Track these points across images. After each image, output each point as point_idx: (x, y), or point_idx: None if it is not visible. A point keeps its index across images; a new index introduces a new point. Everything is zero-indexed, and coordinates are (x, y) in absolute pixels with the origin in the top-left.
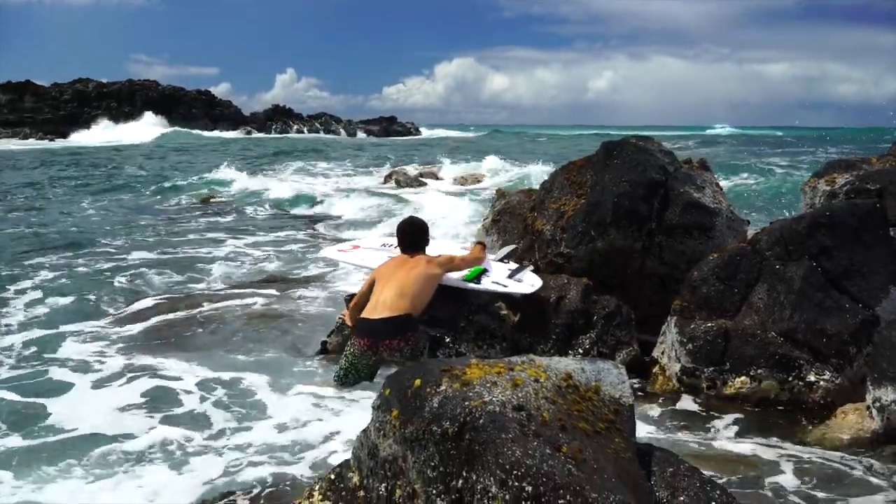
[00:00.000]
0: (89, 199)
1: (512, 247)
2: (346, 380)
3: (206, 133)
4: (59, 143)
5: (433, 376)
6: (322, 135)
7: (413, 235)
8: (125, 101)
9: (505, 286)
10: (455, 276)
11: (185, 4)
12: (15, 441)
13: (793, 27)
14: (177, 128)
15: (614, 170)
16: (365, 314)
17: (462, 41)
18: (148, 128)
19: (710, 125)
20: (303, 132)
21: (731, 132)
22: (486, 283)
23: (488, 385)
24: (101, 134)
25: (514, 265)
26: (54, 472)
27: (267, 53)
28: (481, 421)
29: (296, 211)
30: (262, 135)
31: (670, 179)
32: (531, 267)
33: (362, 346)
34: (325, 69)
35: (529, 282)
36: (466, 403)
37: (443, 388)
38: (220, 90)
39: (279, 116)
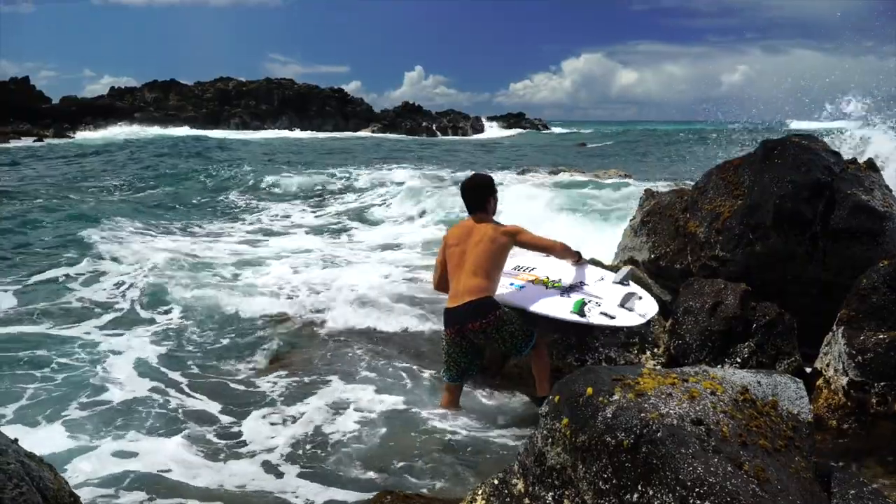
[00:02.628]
0: None
1: (629, 268)
2: (452, 373)
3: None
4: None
5: (605, 385)
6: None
7: (474, 192)
8: (263, 99)
9: (613, 317)
10: (559, 310)
11: (317, 4)
12: None
13: None
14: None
15: (775, 169)
16: (448, 303)
17: (590, 36)
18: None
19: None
20: (432, 130)
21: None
22: (594, 316)
23: (664, 396)
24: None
25: (632, 287)
26: None
27: (395, 51)
28: (659, 434)
29: None
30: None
31: (836, 180)
32: (643, 294)
33: (451, 335)
34: (452, 66)
35: (641, 311)
36: (643, 415)
37: (616, 397)
38: (350, 88)
39: (409, 114)
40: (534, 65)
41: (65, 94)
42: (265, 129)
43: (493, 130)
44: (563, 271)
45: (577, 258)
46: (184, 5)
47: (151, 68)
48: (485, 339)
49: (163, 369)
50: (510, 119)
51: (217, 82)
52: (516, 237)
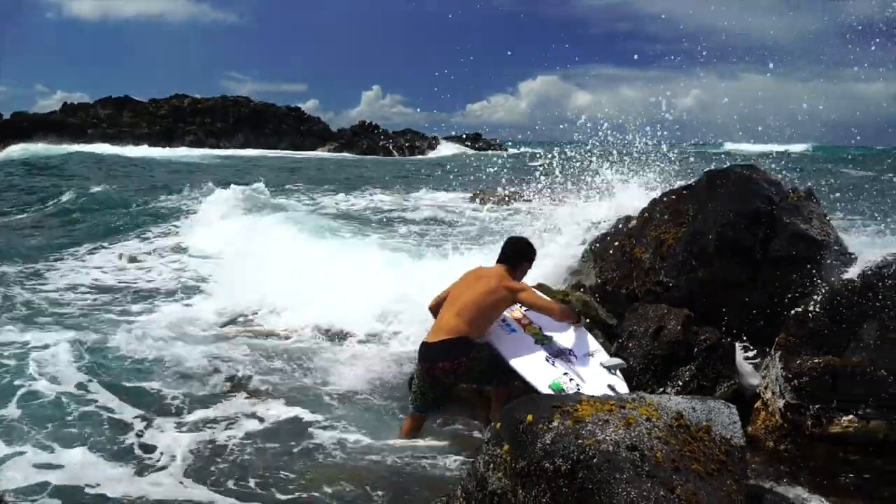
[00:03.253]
0: None
1: (621, 361)
2: (418, 404)
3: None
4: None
5: (545, 412)
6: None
7: (515, 250)
8: (218, 116)
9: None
10: (538, 378)
11: (274, 22)
12: None
13: (891, 44)
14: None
15: (718, 198)
16: (426, 337)
17: (546, 59)
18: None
19: (799, 142)
20: (389, 149)
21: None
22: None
23: (600, 423)
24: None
25: (617, 379)
26: None
27: (353, 70)
28: (595, 460)
29: None
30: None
31: (776, 209)
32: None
33: (422, 371)
34: (409, 86)
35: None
36: (580, 441)
37: (555, 424)
38: (308, 106)
39: (366, 132)
40: (491, 86)
41: (17, 109)
42: (220, 147)
43: (447, 148)
44: (556, 327)
45: (577, 321)
46: (139, 21)
47: (105, 84)
48: (454, 378)
49: (87, 379)
50: (467, 139)
51: (172, 99)
52: (517, 294)
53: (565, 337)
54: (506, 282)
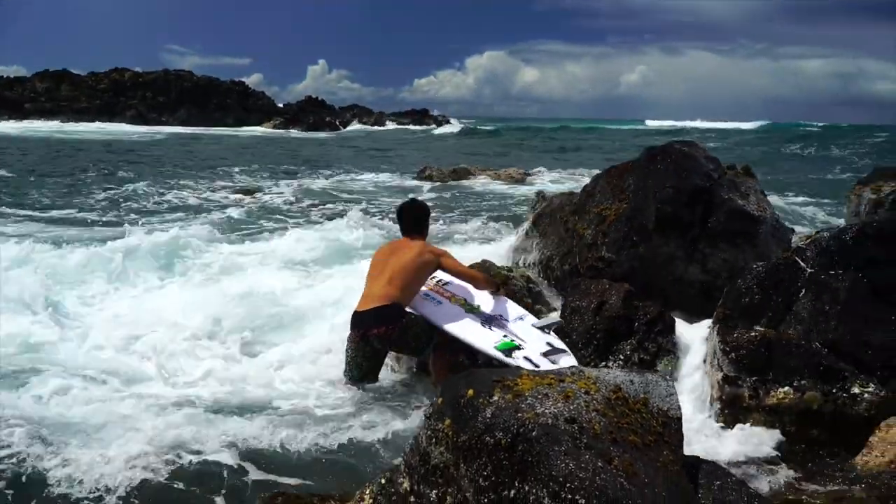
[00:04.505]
0: None
1: (556, 320)
2: (353, 374)
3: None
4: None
5: (486, 386)
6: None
7: (414, 218)
8: (160, 91)
9: (537, 366)
10: (483, 342)
11: None
12: None
13: (829, 23)
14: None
15: (657, 175)
16: (357, 307)
17: (493, 34)
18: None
19: (745, 120)
20: (335, 125)
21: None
22: (518, 360)
23: (540, 397)
24: None
25: (553, 338)
26: None
27: (298, 44)
28: (534, 433)
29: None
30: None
31: (714, 186)
32: (566, 349)
33: (356, 340)
34: (356, 61)
35: (565, 367)
36: (519, 415)
37: (495, 398)
38: (252, 81)
39: (312, 108)
40: (438, 61)
41: None
42: (163, 122)
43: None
44: (480, 297)
45: (496, 289)
46: None
47: (42, 57)
48: (388, 344)
49: None
50: (413, 115)
51: (112, 73)
52: (441, 259)
53: (492, 305)
54: (429, 247)
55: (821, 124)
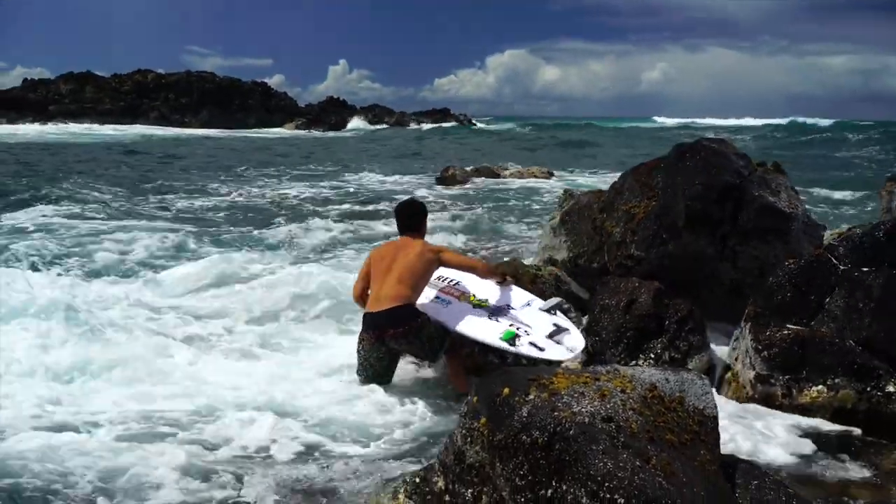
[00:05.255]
0: None
1: (558, 300)
2: (365, 375)
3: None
4: None
5: (521, 385)
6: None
7: (411, 216)
8: (183, 92)
9: (542, 349)
10: (488, 335)
11: None
12: None
13: (853, 19)
14: None
15: (687, 172)
16: (369, 307)
17: (513, 33)
18: None
19: (767, 117)
20: (358, 126)
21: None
22: (523, 346)
23: (576, 395)
24: None
25: (559, 318)
26: None
27: (319, 44)
28: (571, 432)
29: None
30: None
31: (745, 183)
32: (571, 328)
33: (370, 341)
34: (377, 60)
35: (569, 345)
36: (556, 414)
37: (531, 397)
38: (273, 81)
39: (334, 108)
40: (458, 60)
41: None
42: (185, 123)
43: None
44: (488, 290)
45: (501, 278)
46: None
47: (66, 60)
48: (404, 344)
49: None
50: (434, 114)
51: (135, 74)
52: (441, 255)
53: (499, 296)
54: (428, 245)
55: (841, 120)
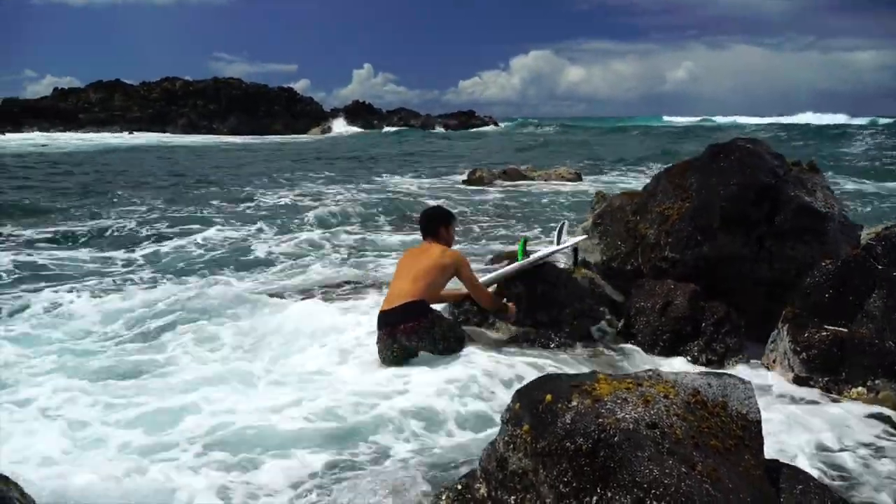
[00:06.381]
0: None
1: (563, 222)
2: None
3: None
4: None
5: (563, 391)
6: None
7: (429, 221)
8: (210, 98)
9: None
10: (518, 265)
11: (262, 1)
12: None
13: (881, 12)
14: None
15: (721, 173)
16: (382, 307)
17: (537, 34)
18: None
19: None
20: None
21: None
22: (540, 250)
23: (619, 401)
24: None
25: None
26: None
27: (343, 49)
28: (616, 438)
29: None
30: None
31: (780, 183)
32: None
33: (384, 339)
34: (401, 64)
35: (569, 241)
36: (600, 420)
37: (574, 403)
38: (299, 86)
39: (360, 112)
40: (482, 62)
41: (6, 95)
42: (214, 129)
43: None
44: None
45: (504, 310)
46: (126, 4)
47: (95, 68)
48: (416, 341)
49: None
50: (460, 117)
51: (163, 82)
52: (459, 264)
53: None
54: (448, 251)
55: (874, 118)
